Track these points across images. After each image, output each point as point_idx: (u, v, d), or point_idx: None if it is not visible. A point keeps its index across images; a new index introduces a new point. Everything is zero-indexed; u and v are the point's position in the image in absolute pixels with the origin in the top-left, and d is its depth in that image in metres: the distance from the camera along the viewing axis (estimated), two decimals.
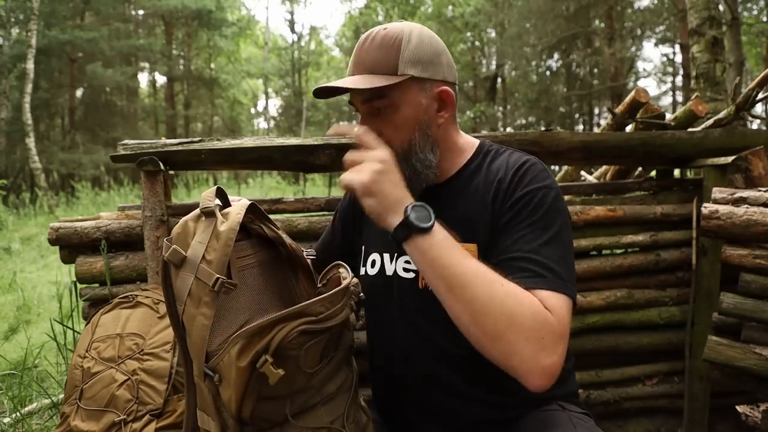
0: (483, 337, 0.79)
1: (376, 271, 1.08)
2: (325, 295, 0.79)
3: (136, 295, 1.41)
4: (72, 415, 1.14)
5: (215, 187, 0.93)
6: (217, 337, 0.82)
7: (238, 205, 0.90)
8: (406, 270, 1.03)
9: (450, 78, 0.99)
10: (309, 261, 1.03)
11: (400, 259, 1.04)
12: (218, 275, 0.79)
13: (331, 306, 0.79)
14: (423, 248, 0.82)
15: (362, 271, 1.12)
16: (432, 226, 0.82)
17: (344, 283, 0.81)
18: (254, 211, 0.94)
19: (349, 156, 0.88)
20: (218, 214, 0.86)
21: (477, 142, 1.08)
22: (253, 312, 0.91)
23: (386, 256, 1.07)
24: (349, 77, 0.95)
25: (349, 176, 0.84)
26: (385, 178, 0.83)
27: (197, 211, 0.88)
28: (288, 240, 0.98)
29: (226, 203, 0.95)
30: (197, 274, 0.80)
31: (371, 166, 0.83)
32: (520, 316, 0.78)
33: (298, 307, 0.77)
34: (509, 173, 0.95)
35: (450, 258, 0.81)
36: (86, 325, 1.36)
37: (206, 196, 0.90)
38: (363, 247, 1.14)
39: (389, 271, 1.05)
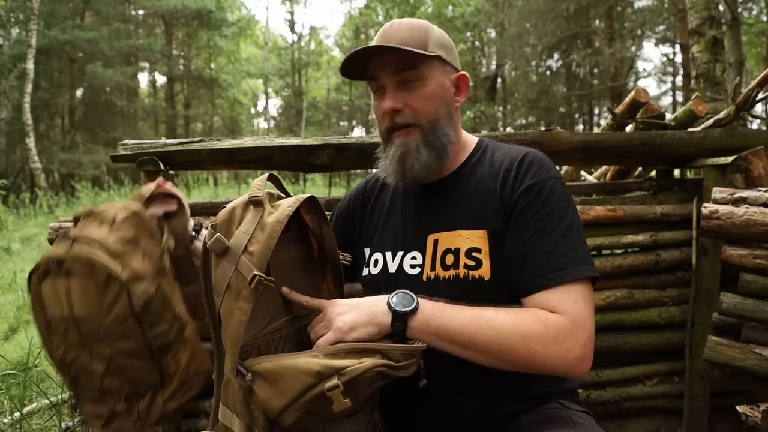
0: (514, 365, 0.87)
1: (379, 269, 1.09)
2: (408, 345, 0.80)
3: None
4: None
5: (267, 173, 0.92)
6: (245, 334, 0.80)
7: (293, 198, 0.89)
8: (412, 266, 1.04)
9: (461, 70, 1.07)
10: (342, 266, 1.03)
11: (407, 256, 1.05)
12: (257, 272, 0.77)
13: (410, 359, 0.79)
14: (422, 327, 0.85)
15: (365, 272, 1.13)
16: (417, 304, 0.86)
17: (420, 344, 0.82)
18: (312, 203, 0.93)
19: (314, 329, 0.88)
20: (266, 204, 0.84)
21: (476, 139, 1.14)
22: (277, 312, 0.90)
23: (388, 254, 1.08)
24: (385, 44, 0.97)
25: (331, 336, 0.83)
26: (346, 309, 0.86)
27: (245, 197, 0.86)
28: (330, 240, 0.98)
29: (282, 191, 0.95)
30: (238, 266, 0.78)
31: (334, 317, 0.84)
32: (533, 335, 0.85)
33: (384, 346, 0.77)
34: (515, 163, 1.00)
35: (449, 322, 0.86)
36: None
37: (256, 185, 0.88)
38: (366, 251, 1.15)
39: (392, 269, 1.06)
